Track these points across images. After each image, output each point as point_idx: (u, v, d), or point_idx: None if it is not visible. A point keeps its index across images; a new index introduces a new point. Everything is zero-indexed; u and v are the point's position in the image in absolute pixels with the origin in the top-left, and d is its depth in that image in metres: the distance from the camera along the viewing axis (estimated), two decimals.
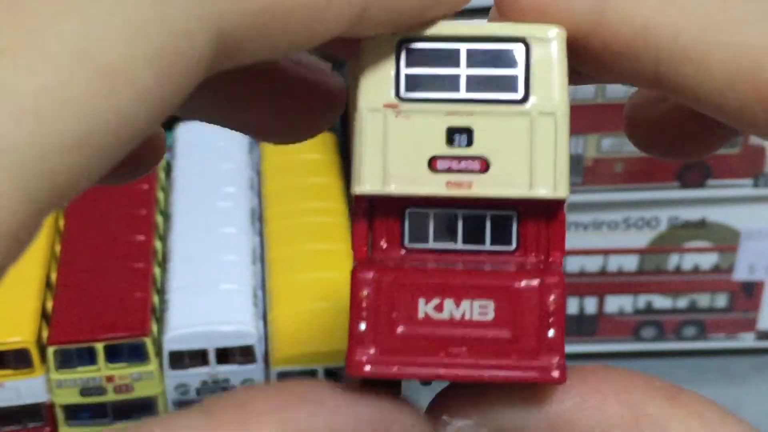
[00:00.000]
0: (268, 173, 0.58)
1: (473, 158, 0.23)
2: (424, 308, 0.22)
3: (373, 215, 0.23)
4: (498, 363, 0.22)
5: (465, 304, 0.22)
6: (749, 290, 0.56)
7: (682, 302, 0.56)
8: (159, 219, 0.55)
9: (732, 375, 0.57)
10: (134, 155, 0.28)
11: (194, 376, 0.50)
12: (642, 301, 0.56)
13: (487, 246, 0.23)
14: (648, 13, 0.22)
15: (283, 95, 0.27)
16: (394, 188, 0.23)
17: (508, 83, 0.23)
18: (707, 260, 0.55)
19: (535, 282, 0.22)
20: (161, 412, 0.50)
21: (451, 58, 0.23)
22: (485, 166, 0.23)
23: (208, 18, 0.19)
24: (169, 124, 0.60)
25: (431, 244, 0.23)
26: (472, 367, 0.22)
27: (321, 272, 0.52)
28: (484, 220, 0.23)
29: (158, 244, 0.54)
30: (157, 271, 0.52)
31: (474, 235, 0.23)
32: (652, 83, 0.23)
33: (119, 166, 0.28)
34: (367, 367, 0.22)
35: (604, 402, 0.22)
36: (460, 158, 0.23)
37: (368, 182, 0.23)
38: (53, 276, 0.51)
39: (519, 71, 0.23)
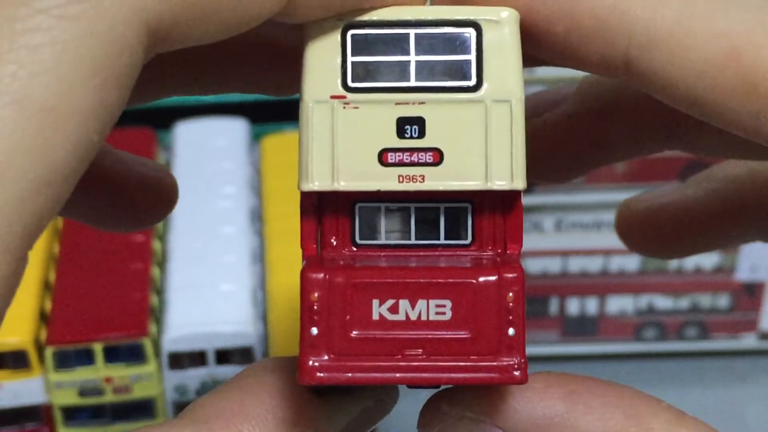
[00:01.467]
0: (268, 173, 0.58)
1: (425, 150, 0.22)
2: (379, 309, 0.21)
3: (322, 210, 0.23)
4: (457, 365, 0.21)
5: (421, 304, 0.21)
6: (751, 291, 0.56)
7: (684, 303, 0.56)
8: None
9: (734, 376, 0.56)
10: (146, 204, 0.28)
11: (193, 376, 0.49)
12: (643, 301, 0.56)
13: (442, 240, 0.22)
14: None
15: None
16: (344, 184, 0.22)
17: (460, 69, 0.22)
18: (709, 260, 0.55)
19: (493, 278, 0.21)
20: (160, 413, 0.50)
21: (400, 44, 0.22)
22: (438, 157, 0.22)
23: (135, 16, 0.19)
24: (168, 123, 0.60)
25: (383, 240, 0.23)
26: (429, 371, 0.21)
27: None
28: (437, 213, 0.22)
29: (157, 244, 0.54)
30: (155, 271, 0.52)
31: (427, 229, 0.22)
32: (620, 71, 0.22)
33: (132, 215, 0.28)
34: (320, 374, 0.21)
35: (609, 411, 0.22)
36: (411, 150, 0.22)
37: (317, 178, 0.22)
38: (51, 276, 0.51)
39: (471, 56, 0.22)
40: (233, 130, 0.60)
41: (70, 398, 0.49)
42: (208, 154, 0.58)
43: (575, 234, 0.54)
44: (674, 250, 0.33)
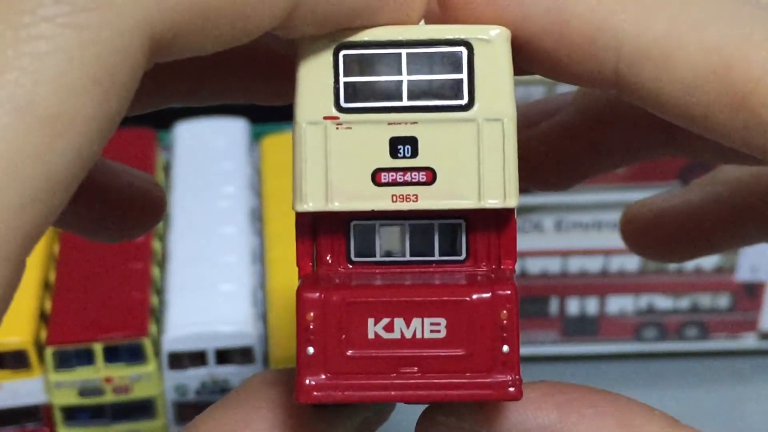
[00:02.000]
0: (268, 173, 0.58)
1: (418, 169, 0.22)
2: (374, 328, 0.22)
3: (317, 228, 0.23)
4: (452, 382, 0.21)
5: (416, 322, 0.21)
6: (751, 291, 0.56)
7: (684, 303, 0.56)
8: None
9: (734, 376, 0.56)
10: (133, 216, 0.28)
11: (193, 376, 0.49)
12: (643, 301, 0.56)
13: (436, 257, 0.23)
14: (608, 11, 0.21)
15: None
16: (338, 205, 0.22)
17: (452, 88, 0.22)
18: (709, 260, 0.55)
19: (487, 296, 0.21)
20: (160, 413, 0.50)
21: (392, 63, 0.22)
22: (431, 177, 0.22)
23: (139, 25, 0.19)
24: (168, 123, 0.60)
25: (378, 258, 0.23)
26: (425, 388, 0.21)
27: None
28: (432, 230, 0.23)
29: (157, 244, 0.54)
30: (155, 271, 0.52)
31: (422, 246, 0.23)
32: (611, 85, 0.22)
33: (119, 226, 0.28)
34: (317, 393, 0.21)
35: (602, 420, 0.22)
36: (404, 170, 0.22)
37: (311, 199, 0.22)
38: (51, 276, 0.51)
39: (462, 75, 0.22)
40: (233, 130, 0.60)
41: (70, 398, 0.49)
42: (208, 154, 0.58)
43: (575, 234, 0.54)
44: (679, 253, 0.33)
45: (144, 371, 0.49)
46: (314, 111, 0.22)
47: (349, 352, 0.22)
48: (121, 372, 0.48)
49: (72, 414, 0.49)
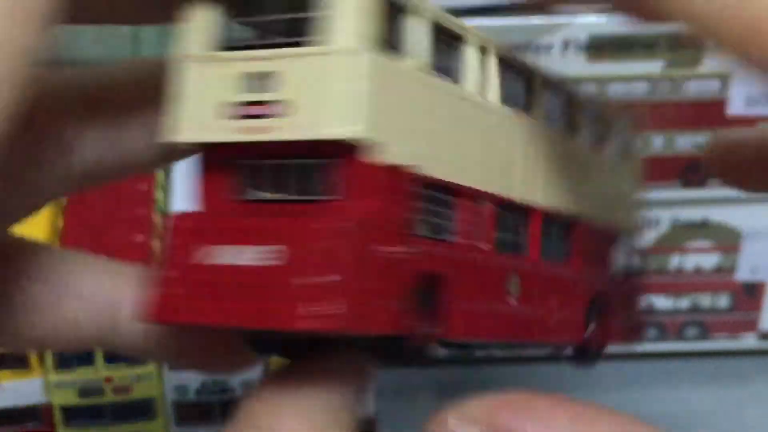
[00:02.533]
0: None
1: (273, 102, 0.22)
2: (212, 255, 0.22)
3: (204, 170, 0.24)
4: (281, 309, 0.21)
5: (250, 250, 0.22)
6: (751, 291, 0.56)
7: (684, 303, 0.56)
8: (158, 219, 0.55)
9: (734, 376, 0.56)
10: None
11: (193, 377, 0.49)
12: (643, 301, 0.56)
13: (307, 196, 0.23)
14: None
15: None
16: (186, 136, 0.23)
17: (309, 26, 0.22)
18: (709, 261, 0.55)
19: (324, 226, 0.22)
20: (160, 413, 0.50)
21: (258, 6, 0.23)
22: (286, 109, 0.22)
23: None
24: None
25: (249, 195, 0.23)
26: (253, 315, 0.22)
27: None
28: (297, 169, 0.23)
29: (157, 244, 0.54)
30: None
31: (293, 185, 0.23)
32: None
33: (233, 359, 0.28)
34: (151, 315, 0.23)
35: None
36: (260, 103, 0.22)
37: (170, 132, 0.23)
38: None
39: (321, 13, 0.22)
40: None
41: (70, 398, 0.49)
42: None
43: None
44: (758, 181, 0.33)
45: (144, 371, 0.49)
46: (183, 50, 0.23)
47: (186, 277, 0.22)
48: (121, 372, 0.49)
49: (72, 414, 0.49)
